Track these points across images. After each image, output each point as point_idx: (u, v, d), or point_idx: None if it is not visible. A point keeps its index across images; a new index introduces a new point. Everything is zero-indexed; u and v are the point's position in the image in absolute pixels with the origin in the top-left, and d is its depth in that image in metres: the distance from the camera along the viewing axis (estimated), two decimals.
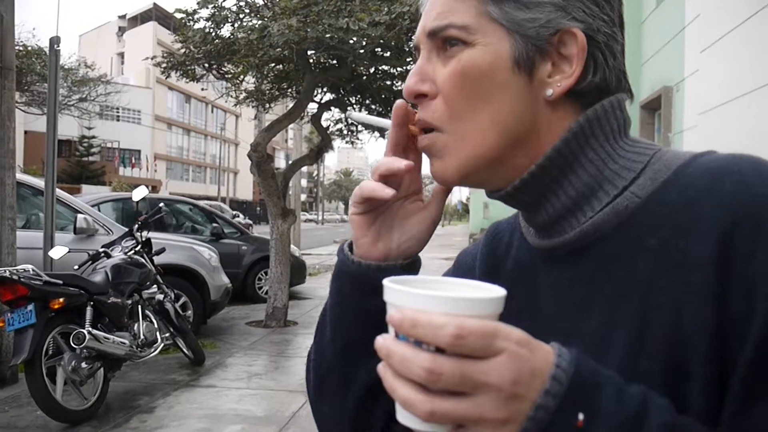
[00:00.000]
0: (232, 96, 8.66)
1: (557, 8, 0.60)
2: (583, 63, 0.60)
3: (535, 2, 0.60)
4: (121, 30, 59.86)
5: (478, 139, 0.61)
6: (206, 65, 7.76)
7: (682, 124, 6.49)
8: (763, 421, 0.49)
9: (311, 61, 7.17)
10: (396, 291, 0.47)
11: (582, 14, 0.60)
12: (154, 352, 4.84)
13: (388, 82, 8.16)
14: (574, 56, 0.60)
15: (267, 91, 8.50)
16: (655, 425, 0.47)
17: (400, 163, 0.63)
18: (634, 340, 0.56)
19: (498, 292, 0.48)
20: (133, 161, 48.28)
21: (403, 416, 0.47)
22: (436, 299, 0.45)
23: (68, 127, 35.76)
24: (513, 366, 0.45)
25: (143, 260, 5.04)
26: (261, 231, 12.05)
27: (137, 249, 5.08)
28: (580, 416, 0.47)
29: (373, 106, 8.74)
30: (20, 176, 5.73)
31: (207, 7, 7.08)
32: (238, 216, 23.88)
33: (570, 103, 0.62)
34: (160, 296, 5.18)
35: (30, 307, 3.82)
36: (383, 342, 0.47)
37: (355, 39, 6.19)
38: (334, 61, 7.23)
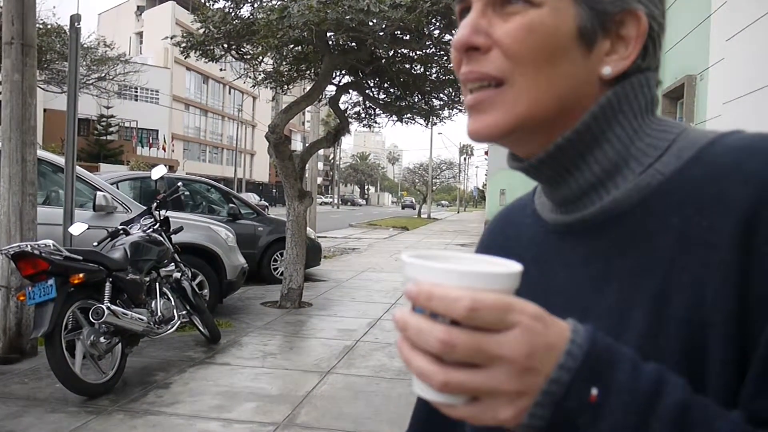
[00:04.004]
0: (250, 77, 8.65)
1: None
2: (641, 47, 0.60)
3: None
4: (140, 9, 59.91)
5: (534, 99, 0.59)
6: (225, 46, 7.75)
7: (705, 114, 6.39)
8: None
9: (330, 42, 7.14)
10: (414, 265, 0.48)
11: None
12: (171, 329, 4.89)
13: (408, 66, 8.11)
14: (633, 38, 0.60)
15: (285, 73, 8.48)
16: (669, 403, 0.47)
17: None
18: (652, 318, 0.55)
19: (514, 267, 0.49)
20: (151, 141, 48.56)
21: (419, 387, 0.48)
22: (452, 273, 0.46)
23: (87, 106, 36.01)
24: (527, 339, 0.45)
25: (161, 238, 5.08)
26: (276, 213, 12.10)
27: (155, 227, 5.12)
28: (594, 391, 0.47)
29: (391, 90, 8.70)
30: (41, 153, 5.79)
31: None
32: (267, 208, 24.38)
33: (614, 82, 0.62)
34: (178, 274, 5.23)
35: (50, 281, 3.88)
36: (400, 314, 0.48)
37: (375, 21, 6.15)
38: (354, 44, 7.20)
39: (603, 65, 0.60)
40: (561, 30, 0.59)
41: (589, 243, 0.63)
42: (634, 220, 0.59)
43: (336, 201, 64.46)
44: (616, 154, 0.61)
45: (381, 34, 6.52)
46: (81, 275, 4.01)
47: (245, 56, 8.12)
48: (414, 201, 59.62)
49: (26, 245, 4.00)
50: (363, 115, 9.57)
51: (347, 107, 9.43)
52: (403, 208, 70.63)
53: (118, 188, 7.47)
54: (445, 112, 9.20)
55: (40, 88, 20.12)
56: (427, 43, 7.18)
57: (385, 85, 8.65)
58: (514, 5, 0.59)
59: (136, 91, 47.74)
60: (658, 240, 0.57)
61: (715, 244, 0.53)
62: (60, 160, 5.96)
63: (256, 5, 7.05)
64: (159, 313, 4.78)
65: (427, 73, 8.13)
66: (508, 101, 0.60)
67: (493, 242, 0.79)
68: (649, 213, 0.58)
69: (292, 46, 7.37)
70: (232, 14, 7.16)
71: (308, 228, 8.76)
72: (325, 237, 18.88)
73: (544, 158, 0.63)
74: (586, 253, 0.63)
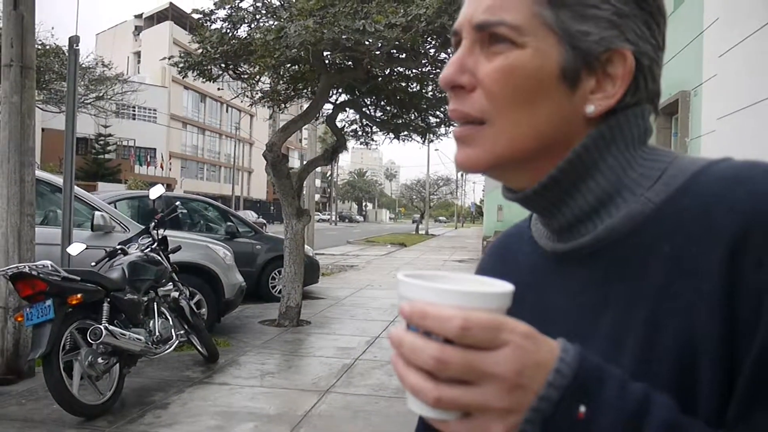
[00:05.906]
0: (247, 96, 8.71)
1: (612, 26, 0.60)
2: (627, 85, 0.61)
3: (592, 15, 0.60)
4: (138, 29, 60.22)
5: (514, 138, 0.61)
6: (223, 65, 7.81)
7: (700, 130, 6.44)
8: (762, 428, 0.51)
9: (327, 62, 7.20)
10: (408, 284, 0.50)
11: (634, 36, 0.61)
12: (169, 348, 4.88)
13: (403, 84, 8.17)
14: (619, 77, 0.61)
15: (282, 92, 8.53)
16: (656, 421, 0.49)
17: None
18: (645, 344, 0.57)
19: (505, 287, 0.50)
20: (149, 159, 48.62)
21: (413, 403, 0.50)
22: (445, 292, 0.48)
23: (85, 125, 36.07)
24: (517, 357, 0.47)
25: (159, 258, 5.08)
26: (274, 230, 12.11)
27: (153, 246, 5.12)
28: (582, 409, 0.48)
29: (388, 108, 8.76)
30: (39, 173, 5.80)
31: (224, 8, 7.15)
32: (265, 226, 24.26)
33: (602, 119, 0.62)
34: (176, 294, 5.22)
35: (48, 302, 3.87)
36: (395, 332, 0.49)
37: (371, 41, 6.21)
38: (350, 63, 7.25)
39: (587, 103, 0.61)
40: (543, 71, 0.59)
41: (584, 271, 0.64)
42: (627, 248, 0.60)
43: (334, 218, 64.47)
44: (609, 184, 0.62)
45: (377, 53, 6.57)
46: (79, 296, 4.00)
47: (242, 75, 8.18)
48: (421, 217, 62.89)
49: (24, 266, 4.00)
50: (360, 132, 9.63)
51: (344, 125, 9.49)
52: (413, 222, 77.12)
53: (116, 207, 7.48)
54: (442, 129, 9.25)
55: (38, 107, 20.17)
56: (423, 61, 7.25)
57: (382, 103, 8.72)
58: (499, 45, 0.60)
59: (134, 110, 47.89)
60: (650, 267, 0.58)
61: (703, 271, 0.54)
62: (58, 180, 5.97)
63: (253, 26, 7.11)
64: (157, 333, 4.77)
65: (423, 90, 8.19)
66: (488, 139, 0.62)
67: (491, 269, 0.79)
68: (641, 241, 0.59)
69: (289, 65, 7.43)
70: (230, 35, 7.22)
71: (306, 245, 8.76)
72: (323, 254, 18.85)
73: (538, 189, 0.64)
74: (582, 281, 0.64)
